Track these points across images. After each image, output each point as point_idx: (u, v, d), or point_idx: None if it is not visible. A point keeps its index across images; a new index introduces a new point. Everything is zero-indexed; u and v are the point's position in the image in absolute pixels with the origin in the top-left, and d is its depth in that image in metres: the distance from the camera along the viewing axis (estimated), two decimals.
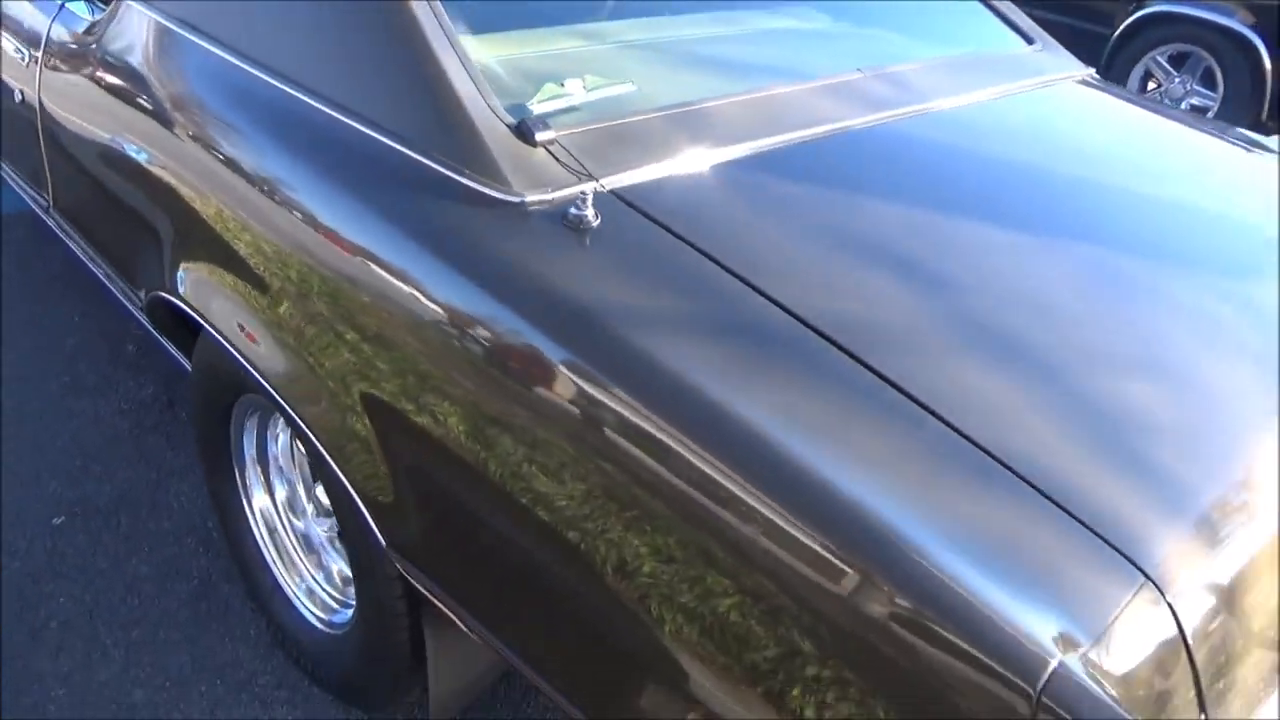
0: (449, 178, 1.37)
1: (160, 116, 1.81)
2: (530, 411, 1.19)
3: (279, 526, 1.97)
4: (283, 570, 1.96)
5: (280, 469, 1.94)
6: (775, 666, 1.01)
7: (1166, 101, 5.85)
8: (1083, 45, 5.91)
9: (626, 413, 1.10)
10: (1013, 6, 2.42)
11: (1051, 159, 1.86)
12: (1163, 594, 0.95)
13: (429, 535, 1.41)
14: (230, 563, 2.12)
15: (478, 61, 1.48)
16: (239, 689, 1.92)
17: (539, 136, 1.38)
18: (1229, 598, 1.03)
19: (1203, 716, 0.96)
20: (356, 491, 1.44)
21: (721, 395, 1.08)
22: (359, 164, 1.46)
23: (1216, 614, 1.01)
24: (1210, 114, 5.73)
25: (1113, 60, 6.00)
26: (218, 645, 2.01)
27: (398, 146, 1.43)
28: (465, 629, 1.41)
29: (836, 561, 0.96)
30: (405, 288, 1.32)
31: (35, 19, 2.28)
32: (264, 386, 1.56)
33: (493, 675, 1.81)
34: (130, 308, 2.13)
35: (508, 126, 1.40)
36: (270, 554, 1.97)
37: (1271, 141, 2.30)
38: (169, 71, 1.85)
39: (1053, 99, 2.15)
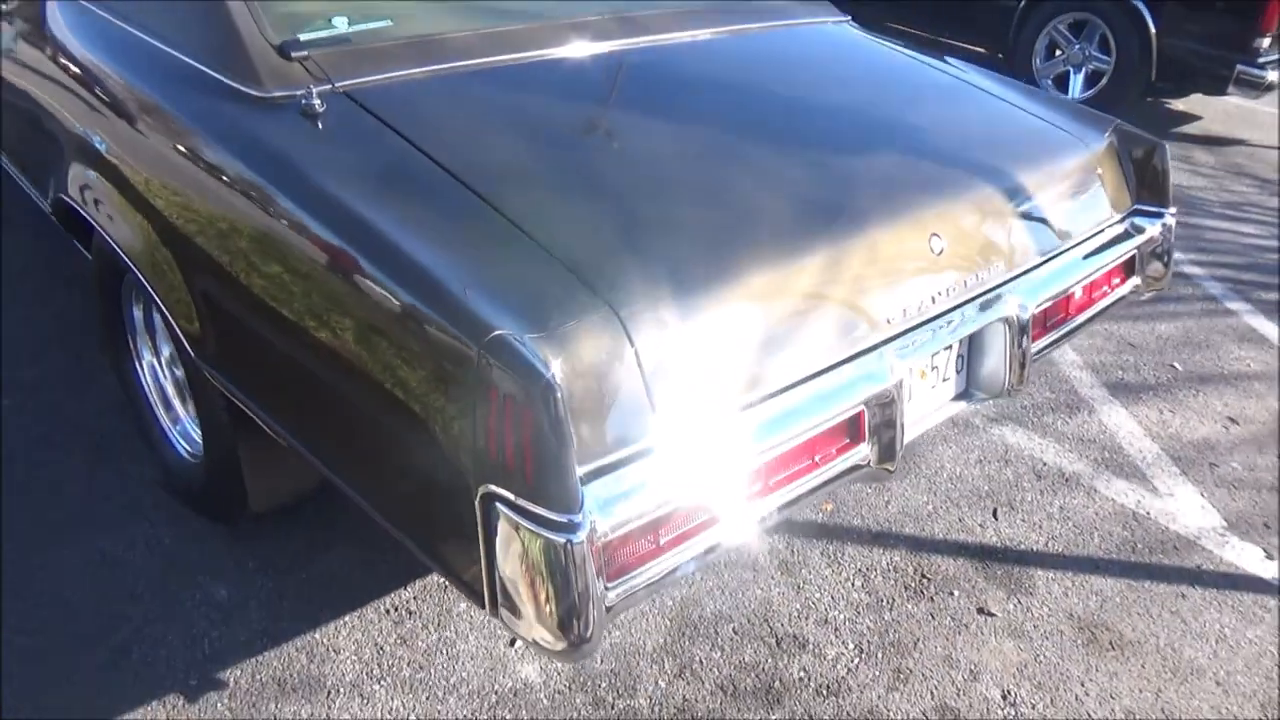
0: (226, 84, 1.93)
1: (54, 62, 2.39)
2: (270, 243, 1.73)
3: (161, 378, 2.52)
4: (163, 414, 2.52)
5: (160, 333, 2.49)
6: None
7: (1068, 67, 6.27)
8: (994, 17, 6.38)
9: (323, 235, 1.63)
10: None
11: (736, 75, 2.38)
12: (617, 314, 1.47)
13: (221, 346, 1.94)
14: (128, 421, 2.68)
15: (262, 6, 2.03)
16: (130, 510, 2.47)
17: (293, 54, 1.92)
18: (677, 336, 1.55)
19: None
20: (172, 316, 1.98)
21: (380, 218, 1.61)
22: (171, 79, 2.03)
23: (664, 348, 1.52)
24: (1105, 77, 6.14)
25: (1020, 30, 6.42)
26: (114, 480, 2.56)
27: (197, 65, 1.99)
28: (262, 425, 1.93)
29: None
30: (190, 159, 1.88)
31: None
32: (119, 254, 2.11)
33: (308, 477, 2.30)
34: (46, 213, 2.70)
35: (272, 47, 1.94)
36: (155, 400, 2.52)
37: (967, 71, 2.79)
38: (59, 31, 2.42)
39: (779, 36, 2.66)
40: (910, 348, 1.86)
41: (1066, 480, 2.81)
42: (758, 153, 2.02)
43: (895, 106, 2.46)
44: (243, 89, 1.90)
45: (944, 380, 2.06)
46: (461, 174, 1.70)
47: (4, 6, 2.74)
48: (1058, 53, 6.35)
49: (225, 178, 1.82)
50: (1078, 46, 6.25)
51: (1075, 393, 3.27)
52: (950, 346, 2.00)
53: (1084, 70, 6.27)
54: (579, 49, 2.26)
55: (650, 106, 2.17)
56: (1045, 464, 2.87)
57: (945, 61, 2.82)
